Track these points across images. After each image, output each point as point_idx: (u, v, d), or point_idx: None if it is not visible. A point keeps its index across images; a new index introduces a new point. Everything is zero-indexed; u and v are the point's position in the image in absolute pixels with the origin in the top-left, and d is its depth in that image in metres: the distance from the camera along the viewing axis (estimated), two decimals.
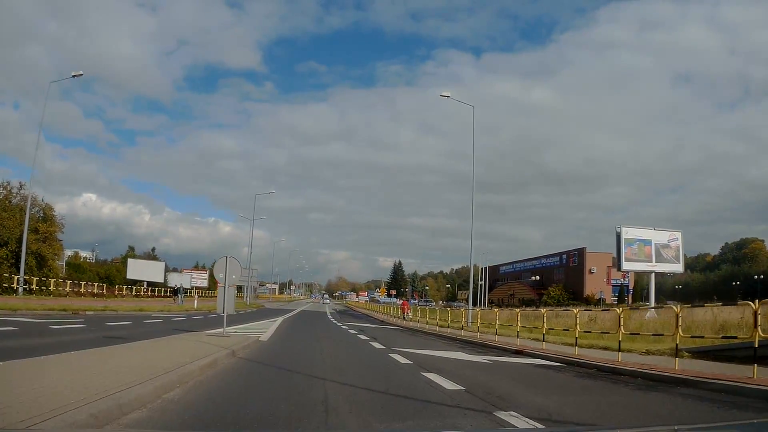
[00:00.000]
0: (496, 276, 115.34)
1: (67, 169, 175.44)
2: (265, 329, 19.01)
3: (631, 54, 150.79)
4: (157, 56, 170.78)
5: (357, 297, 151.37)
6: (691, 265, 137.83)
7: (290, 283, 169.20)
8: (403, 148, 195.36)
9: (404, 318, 37.14)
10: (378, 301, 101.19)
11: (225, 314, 14.35)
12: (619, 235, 37.50)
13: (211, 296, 79.01)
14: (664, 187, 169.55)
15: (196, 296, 45.14)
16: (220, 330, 14.36)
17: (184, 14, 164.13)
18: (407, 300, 45.05)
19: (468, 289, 39.10)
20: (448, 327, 24.13)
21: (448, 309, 37.42)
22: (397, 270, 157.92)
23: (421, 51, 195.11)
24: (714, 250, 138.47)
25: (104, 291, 46.31)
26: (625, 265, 38.43)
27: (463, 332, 21.89)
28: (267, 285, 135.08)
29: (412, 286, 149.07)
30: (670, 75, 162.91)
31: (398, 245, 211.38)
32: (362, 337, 19.68)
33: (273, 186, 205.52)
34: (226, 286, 13.92)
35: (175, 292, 45.87)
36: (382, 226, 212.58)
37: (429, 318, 30.73)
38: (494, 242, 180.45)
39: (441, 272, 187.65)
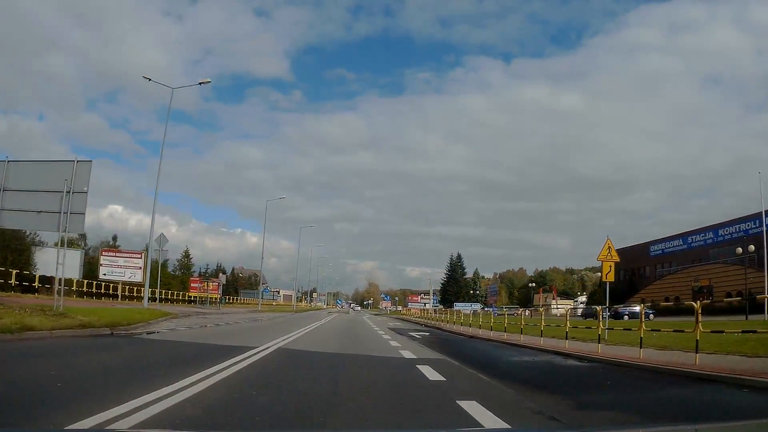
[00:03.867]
0: (639, 261, 73.30)
1: (92, 180, 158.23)
2: None
3: (661, 57, 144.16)
4: (183, 66, 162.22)
5: (398, 306, 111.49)
6: None
7: (313, 290, 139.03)
8: (431, 157, 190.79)
9: None
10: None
11: None
12: None
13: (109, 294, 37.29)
14: (691, 192, 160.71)
15: None
16: None
17: (210, 23, 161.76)
18: None
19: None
20: None
21: None
22: (456, 266, 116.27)
23: (450, 57, 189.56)
24: None
25: None
26: None
27: None
28: (282, 292, 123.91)
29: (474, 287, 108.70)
30: (699, 77, 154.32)
31: (425, 254, 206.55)
32: None
33: (300, 195, 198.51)
34: None
35: None
36: (408, 235, 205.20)
37: None
38: (521, 250, 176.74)
39: (483, 277, 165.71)
